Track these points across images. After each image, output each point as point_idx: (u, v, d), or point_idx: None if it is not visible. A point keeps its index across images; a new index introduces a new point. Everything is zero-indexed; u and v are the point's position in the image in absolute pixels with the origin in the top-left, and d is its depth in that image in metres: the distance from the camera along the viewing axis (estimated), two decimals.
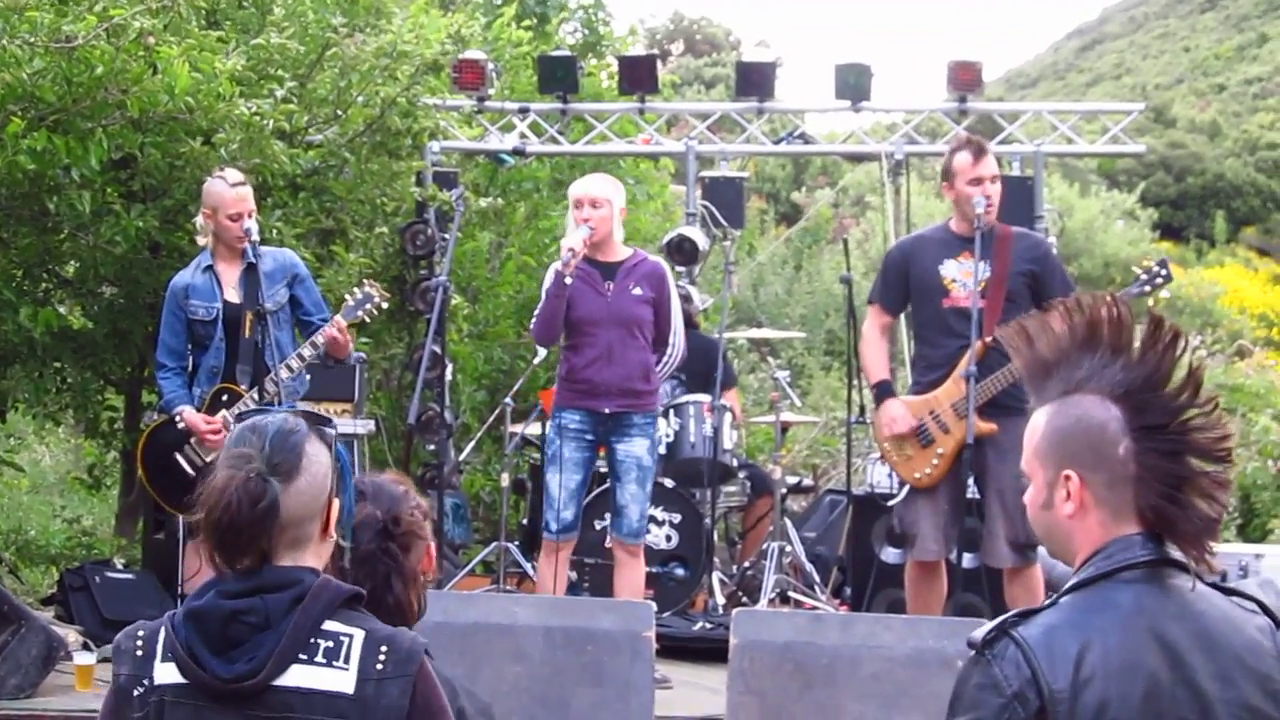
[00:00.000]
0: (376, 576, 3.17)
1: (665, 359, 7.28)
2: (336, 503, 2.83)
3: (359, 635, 2.71)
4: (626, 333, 7.07)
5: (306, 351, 6.93)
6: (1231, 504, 12.90)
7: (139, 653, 2.75)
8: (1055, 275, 6.86)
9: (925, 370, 6.92)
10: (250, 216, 6.93)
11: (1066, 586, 2.58)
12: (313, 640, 2.68)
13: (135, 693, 2.73)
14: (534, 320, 7.20)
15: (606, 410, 7.07)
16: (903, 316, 7.55)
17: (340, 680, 2.67)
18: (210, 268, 7.00)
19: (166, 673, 2.71)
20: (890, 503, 7.11)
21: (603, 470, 7.67)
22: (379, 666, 2.69)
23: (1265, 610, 2.62)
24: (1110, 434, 2.56)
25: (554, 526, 7.14)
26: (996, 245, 6.76)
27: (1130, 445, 2.55)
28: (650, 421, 7.17)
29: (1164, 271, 7.05)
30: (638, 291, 7.10)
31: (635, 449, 7.10)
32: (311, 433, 2.81)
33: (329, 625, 2.70)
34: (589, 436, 7.15)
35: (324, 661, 2.67)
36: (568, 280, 6.93)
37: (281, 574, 2.73)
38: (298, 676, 2.66)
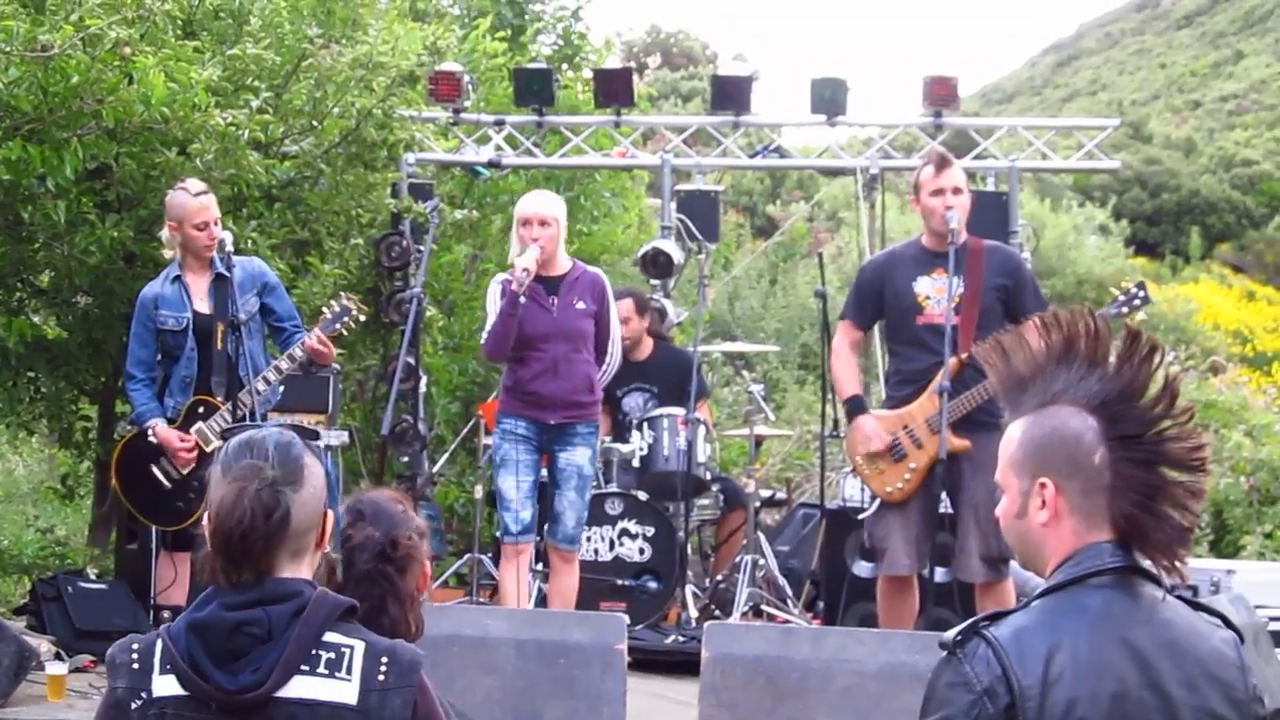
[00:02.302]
0: (372, 598, 3.18)
1: (605, 367, 7.46)
2: (330, 515, 2.85)
3: (360, 646, 2.72)
4: (572, 347, 7.23)
5: (284, 364, 6.93)
6: (1204, 519, 12.96)
7: (135, 665, 2.75)
8: (1028, 289, 6.84)
9: (899, 385, 6.91)
10: (216, 224, 6.95)
11: (1038, 592, 2.62)
12: (315, 651, 2.69)
13: (133, 705, 2.73)
14: (486, 337, 7.28)
15: (551, 421, 7.22)
16: (876, 329, 7.56)
17: (343, 691, 2.69)
18: (179, 278, 7.01)
19: (166, 685, 2.71)
20: (861, 516, 7.11)
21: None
22: (380, 678, 2.71)
23: (1228, 624, 2.66)
24: (1086, 443, 2.59)
25: (514, 528, 7.21)
26: (969, 260, 6.75)
27: (1106, 454, 2.59)
28: (592, 431, 7.33)
29: (1142, 293, 7.02)
30: (581, 306, 7.26)
31: (577, 457, 7.25)
32: (306, 445, 2.83)
33: (329, 637, 2.71)
34: (534, 443, 7.28)
35: (326, 673, 2.69)
36: (522, 299, 7.05)
37: (283, 585, 2.74)
38: (301, 688, 2.67)
